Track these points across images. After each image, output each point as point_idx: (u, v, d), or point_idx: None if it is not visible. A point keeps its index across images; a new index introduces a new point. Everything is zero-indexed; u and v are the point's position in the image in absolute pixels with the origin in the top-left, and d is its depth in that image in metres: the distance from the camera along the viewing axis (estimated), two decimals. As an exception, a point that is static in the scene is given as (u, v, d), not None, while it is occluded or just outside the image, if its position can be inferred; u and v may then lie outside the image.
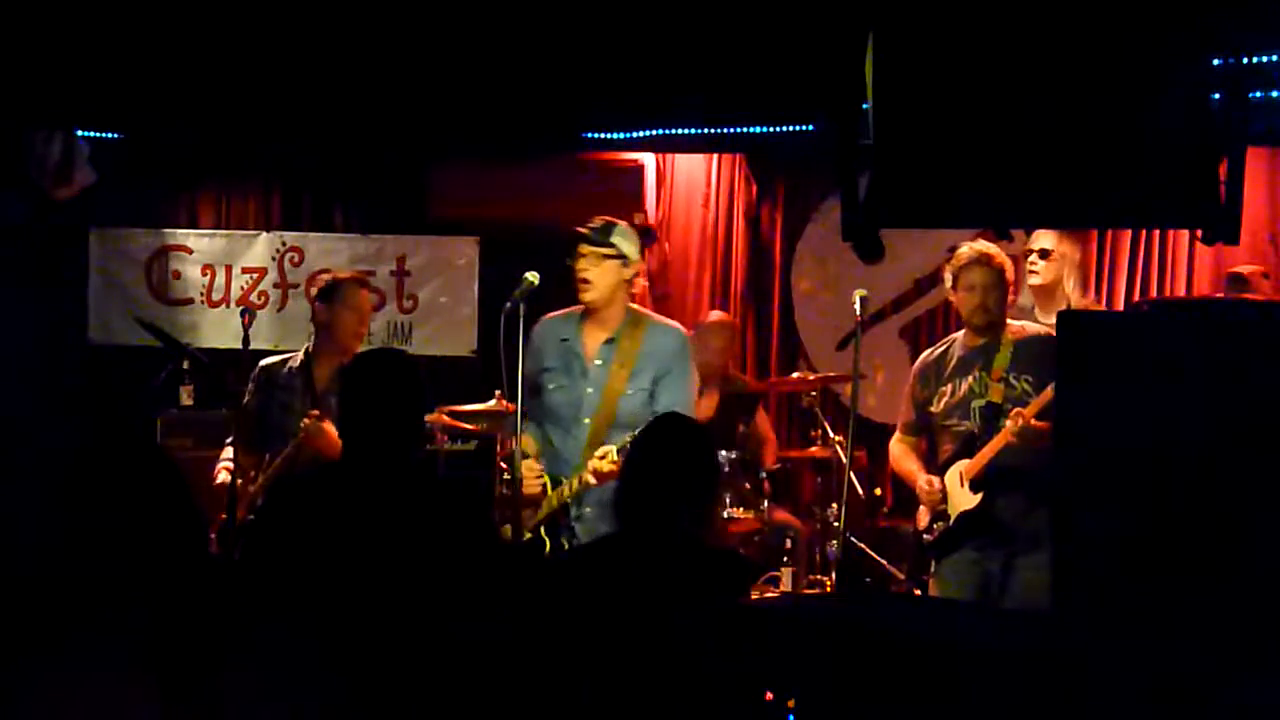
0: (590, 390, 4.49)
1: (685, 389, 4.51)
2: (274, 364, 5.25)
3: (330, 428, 4.84)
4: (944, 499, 4.77)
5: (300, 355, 5.21)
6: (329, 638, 3.08)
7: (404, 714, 3.08)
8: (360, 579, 3.12)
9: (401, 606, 3.12)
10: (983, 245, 4.82)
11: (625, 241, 4.54)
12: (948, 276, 4.85)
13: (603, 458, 4.27)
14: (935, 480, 4.80)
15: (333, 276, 5.38)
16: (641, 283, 4.65)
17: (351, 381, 3.42)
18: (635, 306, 4.65)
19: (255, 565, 3.25)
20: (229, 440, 5.20)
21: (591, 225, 4.54)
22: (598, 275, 4.49)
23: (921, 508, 4.89)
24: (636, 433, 4.10)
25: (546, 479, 4.48)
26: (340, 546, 3.16)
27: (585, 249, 4.48)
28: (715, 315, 6.77)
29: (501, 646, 3.18)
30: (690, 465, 3.41)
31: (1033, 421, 4.52)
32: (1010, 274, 4.81)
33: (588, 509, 4.41)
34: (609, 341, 4.52)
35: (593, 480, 4.31)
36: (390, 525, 3.20)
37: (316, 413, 4.90)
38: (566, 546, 4.40)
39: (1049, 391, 4.45)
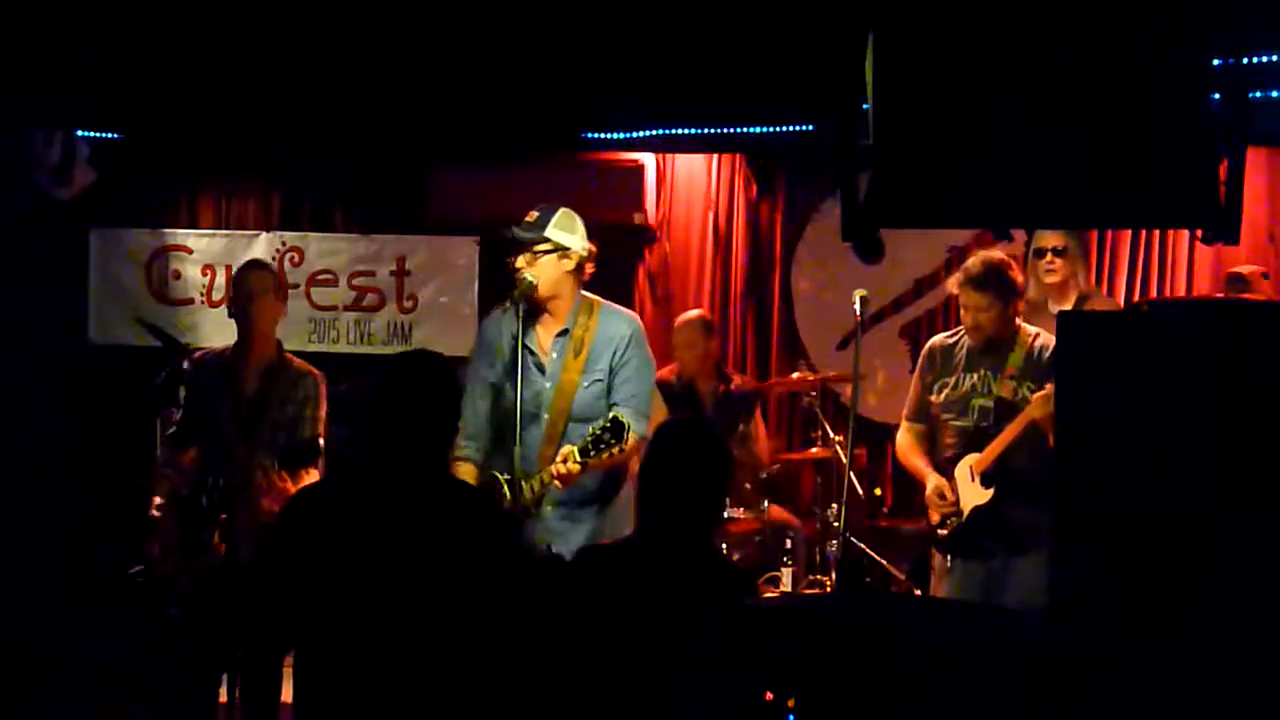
0: (548, 385, 4.36)
1: (642, 379, 4.38)
2: (205, 357, 5.11)
3: (286, 487, 4.62)
4: (955, 503, 4.75)
5: (229, 353, 5.05)
6: (358, 645, 3.08)
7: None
8: (393, 585, 3.11)
9: (433, 611, 3.10)
10: (977, 265, 4.73)
11: (562, 231, 4.33)
12: (953, 287, 4.86)
13: (565, 460, 4.11)
14: (947, 488, 4.75)
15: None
16: (590, 268, 4.42)
17: (387, 384, 3.35)
18: (588, 295, 4.46)
19: (280, 572, 3.21)
20: (168, 433, 5.06)
21: (527, 219, 4.33)
22: (538, 272, 4.31)
23: (932, 505, 4.87)
24: (595, 429, 4.09)
25: (504, 483, 4.27)
26: (372, 552, 3.13)
27: (521, 249, 4.32)
28: (687, 315, 6.72)
29: (527, 649, 3.16)
30: (710, 474, 3.39)
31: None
32: (1019, 280, 4.78)
33: (548, 508, 4.29)
34: (562, 334, 4.39)
35: (558, 484, 4.16)
36: (423, 532, 3.17)
37: (284, 474, 4.69)
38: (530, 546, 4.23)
39: None
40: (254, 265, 5.28)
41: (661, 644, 3.17)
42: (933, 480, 4.80)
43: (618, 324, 4.42)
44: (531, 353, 4.39)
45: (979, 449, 4.70)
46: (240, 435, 4.82)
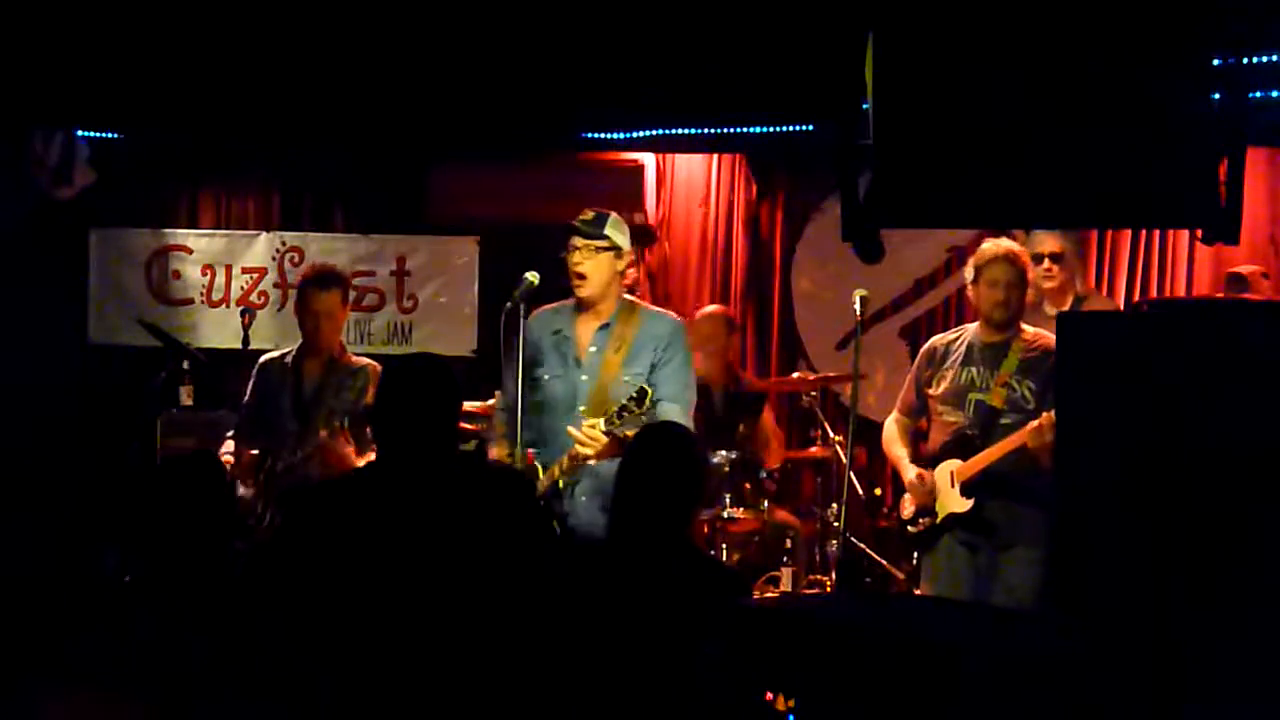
0: (585, 378, 4.46)
1: (683, 377, 4.48)
2: (272, 359, 5.34)
3: (346, 447, 4.88)
4: (932, 494, 4.79)
5: (293, 351, 5.29)
6: (361, 647, 3.09)
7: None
8: (399, 586, 3.11)
9: (439, 612, 3.11)
10: (1008, 242, 4.84)
11: (617, 232, 4.50)
12: (969, 270, 4.86)
13: (592, 427, 4.20)
14: (926, 476, 4.81)
15: (301, 276, 5.44)
16: (633, 273, 4.61)
17: (389, 387, 3.39)
18: (629, 297, 4.62)
19: (287, 574, 3.22)
20: (229, 434, 5.32)
21: (584, 218, 4.49)
22: (592, 269, 4.45)
23: (905, 497, 4.91)
24: (621, 405, 4.18)
25: (538, 466, 4.41)
26: (378, 554, 3.14)
27: (579, 242, 4.45)
28: (710, 309, 6.75)
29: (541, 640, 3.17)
30: (682, 477, 3.45)
31: (1051, 431, 4.50)
32: (1032, 273, 4.84)
33: (581, 498, 4.36)
34: (602, 328, 4.49)
35: (585, 450, 4.22)
36: (428, 534, 3.18)
37: (338, 427, 4.93)
38: (559, 532, 4.34)
39: None
40: (321, 285, 5.26)
41: (643, 641, 3.18)
42: (913, 470, 4.87)
43: (660, 323, 4.54)
44: (571, 346, 4.50)
45: (963, 455, 4.70)
46: (301, 423, 5.09)
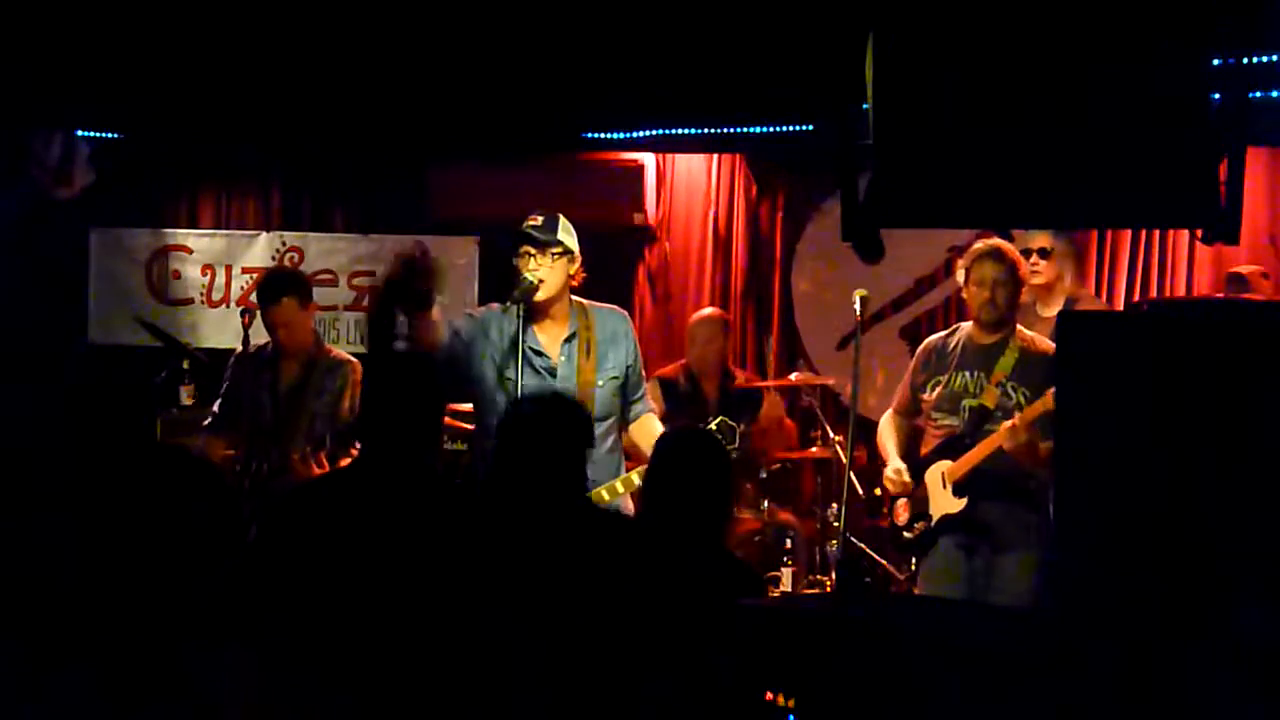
0: (560, 388, 4.36)
1: (644, 376, 4.58)
2: (248, 353, 5.31)
3: (318, 470, 4.78)
4: (914, 489, 4.81)
5: (270, 346, 5.25)
6: (349, 643, 3.09)
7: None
8: (380, 586, 3.12)
9: (419, 611, 3.11)
10: (996, 240, 4.83)
11: (569, 236, 4.42)
12: (960, 271, 4.85)
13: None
14: (904, 470, 4.82)
15: (256, 286, 5.43)
16: (582, 274, 4.49)
17: (372, 384, 3.40)
18: (577, 298, 4.53)
19: (267, 571, 3.22)
20: (203, 424, 5.29)
21: (534, 224, 4.37)
22: (548, 274, 4.36)
23: (899, 503, 4.90)
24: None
25: None
26: (358, 554, 3.14)
27: (534, 250, 4.34)
28: (706, 311, 6.76)
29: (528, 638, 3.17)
30: (715, 481, 3.46)
31: (1026, 431, 4.53)
32: (1024, 271, 4.83)
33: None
34: (569, 339, 4.44)
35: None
36: (408, 534, 3.18)
37: (322, 458, 4.82)
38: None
39: (1039, 403, 4.48)
40: (270, 298, 5.21)
41: (655, 639, 3.18)
42: (894, 463, 4.89)
43: (614, 321, 4.52)
44: (539, 354, 4.41)
45: (954, 457, 4.71)
46: (279, 423, 5.04)
